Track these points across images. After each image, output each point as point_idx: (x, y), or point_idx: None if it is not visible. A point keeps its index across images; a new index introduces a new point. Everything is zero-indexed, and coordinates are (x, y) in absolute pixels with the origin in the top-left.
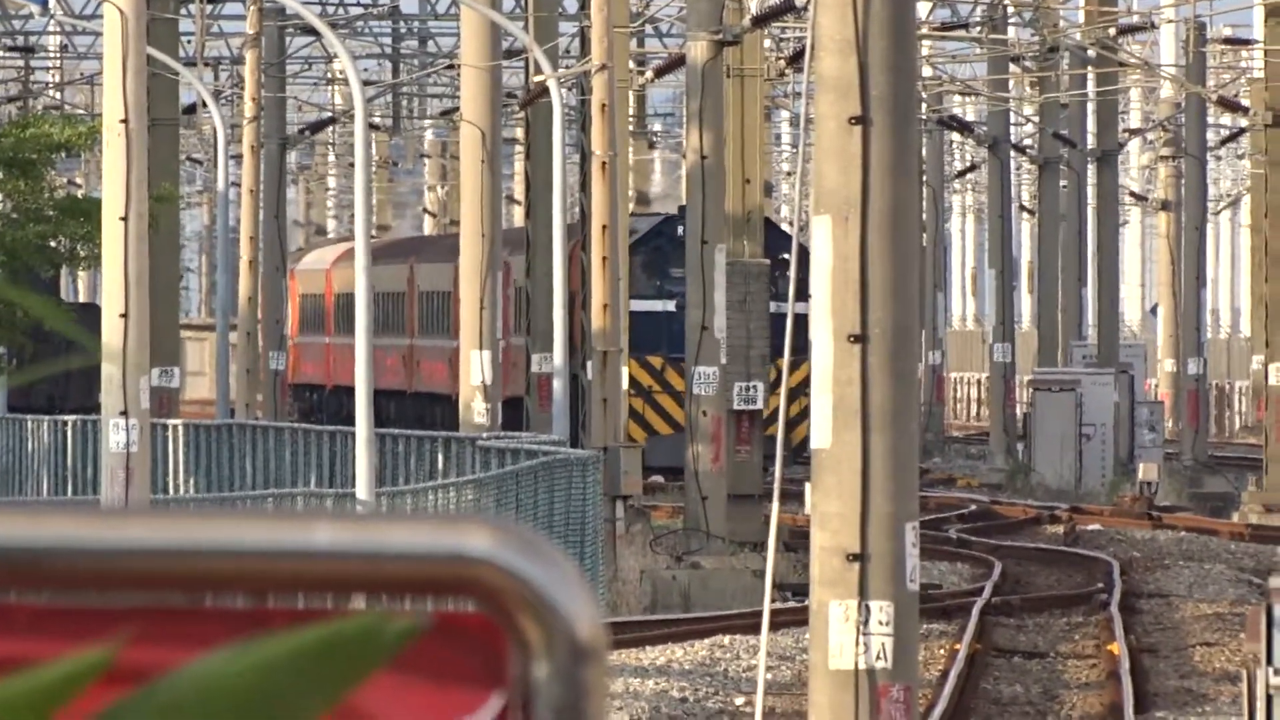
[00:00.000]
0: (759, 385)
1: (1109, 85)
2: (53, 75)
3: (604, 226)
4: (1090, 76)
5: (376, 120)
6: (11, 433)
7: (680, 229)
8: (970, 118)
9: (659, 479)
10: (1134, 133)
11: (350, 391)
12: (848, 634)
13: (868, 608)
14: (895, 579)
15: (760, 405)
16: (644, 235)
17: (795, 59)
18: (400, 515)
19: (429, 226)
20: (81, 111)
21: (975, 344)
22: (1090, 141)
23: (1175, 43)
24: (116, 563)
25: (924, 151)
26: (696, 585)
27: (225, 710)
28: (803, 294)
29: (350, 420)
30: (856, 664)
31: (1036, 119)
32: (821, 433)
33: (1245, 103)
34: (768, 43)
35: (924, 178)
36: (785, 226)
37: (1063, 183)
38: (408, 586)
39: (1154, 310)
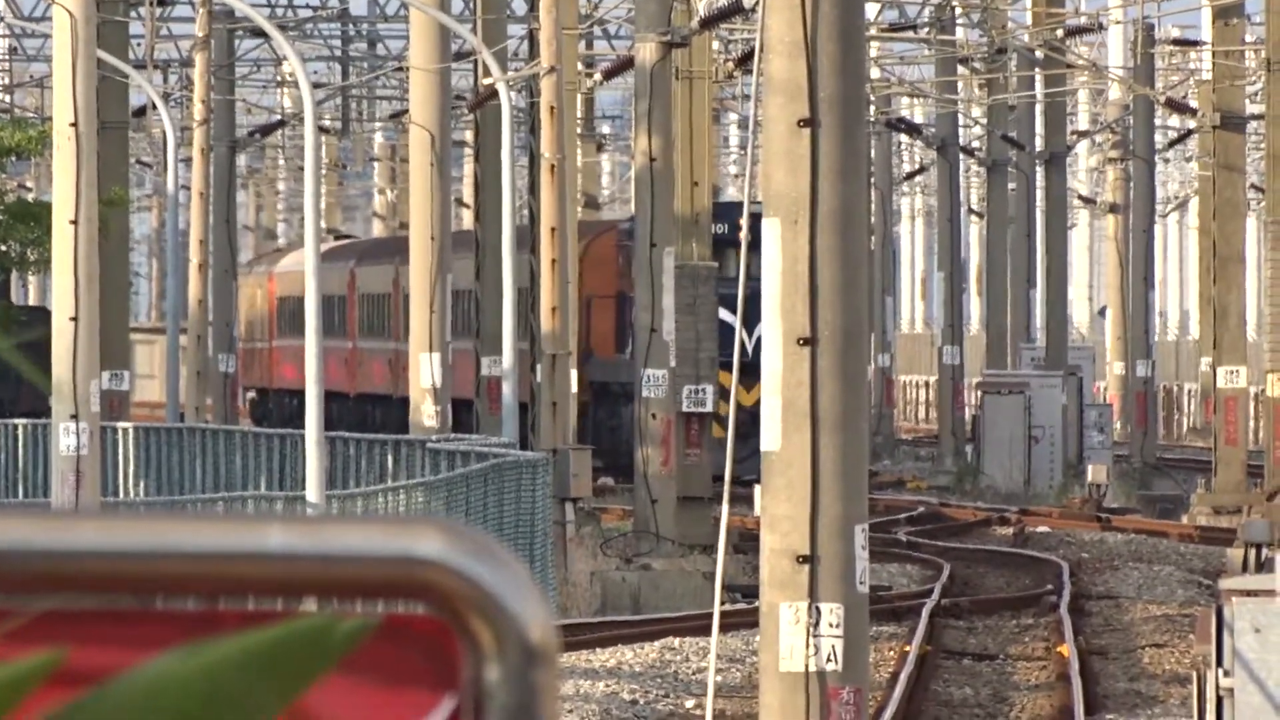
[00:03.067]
0: (708, 388)
1: (1057, 87)
2: (2, 78)
3: (553, 229)
4: (1038, 78)
5: (326, 123)
6: None
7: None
8: (919, 120)
9: (609, 481)
10: (1082, 135)
11: (333, 398)
12: (798, 636)
13: (818, 610)
14: (845, 581)
15: (709, 408)
16: None
17: (744, 61)
18: (352, 518)
19: (378, 230)
20: (31, 114)
21: (924, 347)
22: (1039, 144)
23: (1123, 44)
24: (67, 565)
25: (872, 154)
26: (646, 587)
27: (175, 713)
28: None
29: (343, 429)
30: (807, 666)
31: (985, 121)
32: (771, 435)
33: (1194, 104)
34: (716, 45)
35: (872, 180)
36: None
37: (1011, 185)
38: (359, 589)
39: (1102, 313)
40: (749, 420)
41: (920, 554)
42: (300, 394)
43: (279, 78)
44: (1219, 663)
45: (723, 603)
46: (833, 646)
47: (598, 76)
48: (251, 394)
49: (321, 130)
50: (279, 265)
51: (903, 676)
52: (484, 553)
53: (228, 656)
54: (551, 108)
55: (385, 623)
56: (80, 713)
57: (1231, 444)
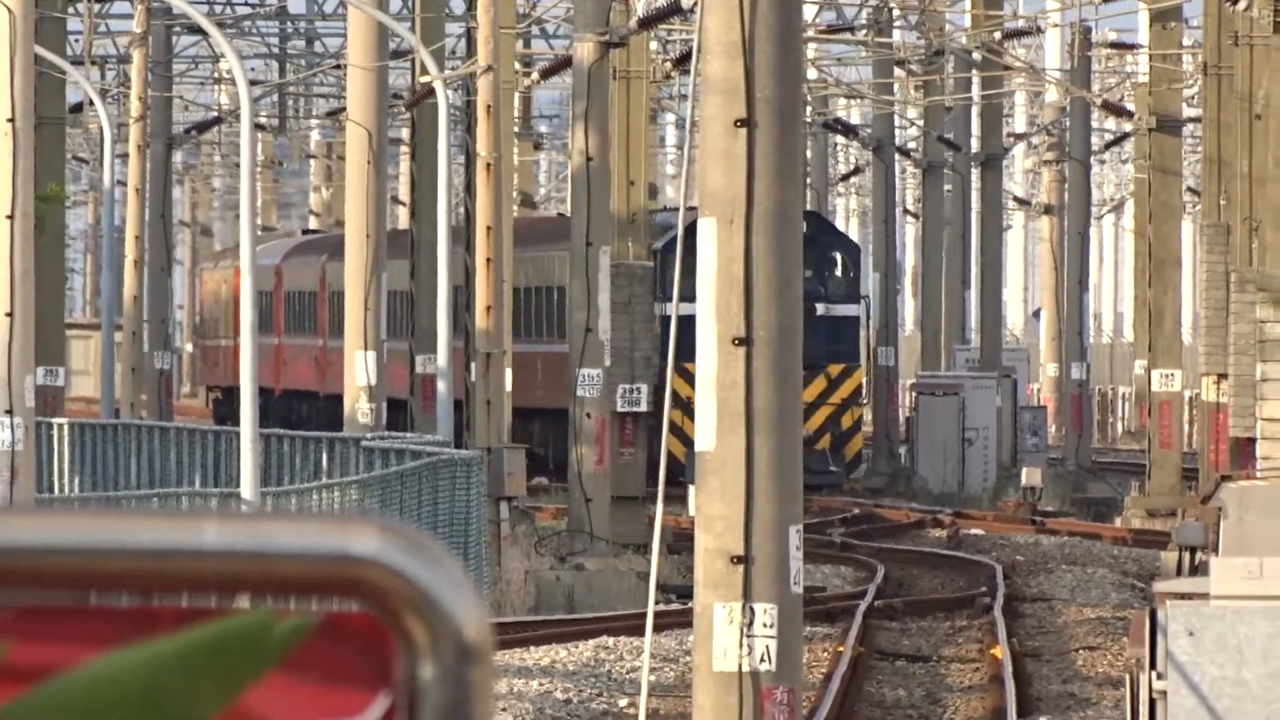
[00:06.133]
0: (643, 387)
1: (994, 89)
2: None
3: (488, 228)
4: (975, 80)
5: (262, 120)
6: None
7: None
8: (855, 121)
9: (543, 480)
10: (1019, 137)
11: (303, 397)
12: (732, 636)
13: (752, 610)
14: (779, 581)
15: (644, 407)
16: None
17: (681, 61)
18: (288, 515)
19: (314, 227)
20: None
21: None
22: (975, 145)
23: (1060, 47)
24: (1, 562)
25: (808, 154)
26: (580, 587)
27: (115, 711)
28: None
29: (313, 429)
30: (740, 666)
31: (921, 122)
32: (705, 435)
33: (1130, 107)
34: (654, 45)
35: (808, 180)
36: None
37: (947, 186)
38: (295, 586)
39: (1037, 315)
40: None
41: (854, 555)
42: (269, 393)
43: (216, 74)
44: (1152, 665)
45: (657, 602)
46: (766, 647)
47: (535, 75)
48: (216, 393)
49: (258, 127)
50: None
51: (837, 677)
52: (419, 551)
53: (168, 655)
54: (488, 106)
55: (322, 621)
56: (20, 710)
57: (1166, 447)
